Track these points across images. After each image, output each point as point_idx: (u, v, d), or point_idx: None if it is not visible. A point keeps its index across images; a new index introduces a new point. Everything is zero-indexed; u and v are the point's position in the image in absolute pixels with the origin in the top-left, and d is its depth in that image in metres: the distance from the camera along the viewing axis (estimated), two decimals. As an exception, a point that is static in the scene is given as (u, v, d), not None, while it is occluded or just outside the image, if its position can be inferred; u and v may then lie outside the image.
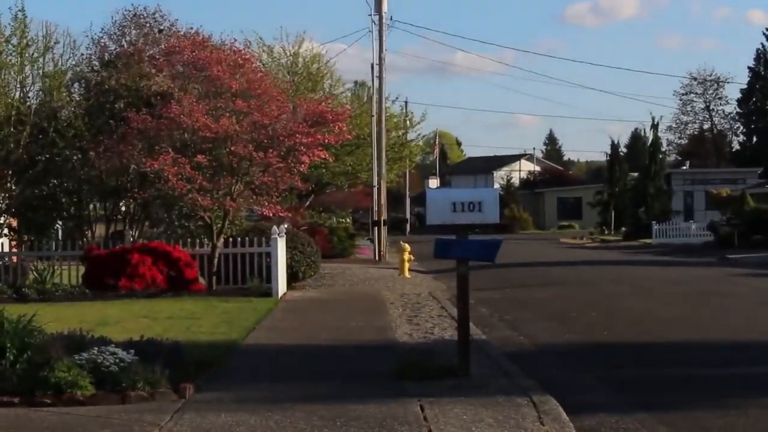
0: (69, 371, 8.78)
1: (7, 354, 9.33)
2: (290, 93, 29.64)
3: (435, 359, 10.13)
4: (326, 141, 20.95)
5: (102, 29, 23.48)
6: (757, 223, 41.95)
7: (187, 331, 13.74)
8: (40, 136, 21.20)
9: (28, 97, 21.97)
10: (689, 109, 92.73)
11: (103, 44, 23.42)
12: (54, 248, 21.70)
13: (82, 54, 23.31)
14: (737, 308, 17.97)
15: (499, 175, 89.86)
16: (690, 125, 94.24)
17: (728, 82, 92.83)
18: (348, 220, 49.51)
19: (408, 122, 48.31)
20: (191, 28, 23.40)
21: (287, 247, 21.69)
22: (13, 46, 21.34)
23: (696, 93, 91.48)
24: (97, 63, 23.15)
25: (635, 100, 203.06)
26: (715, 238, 44.34)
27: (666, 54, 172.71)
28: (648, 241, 53.55)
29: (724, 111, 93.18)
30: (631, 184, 67.10)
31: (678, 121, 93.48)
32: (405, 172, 65.62)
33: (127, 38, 23.49)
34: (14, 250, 22.92)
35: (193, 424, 7.94)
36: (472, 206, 9.98)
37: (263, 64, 34.11)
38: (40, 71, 21.92)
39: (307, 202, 39.11)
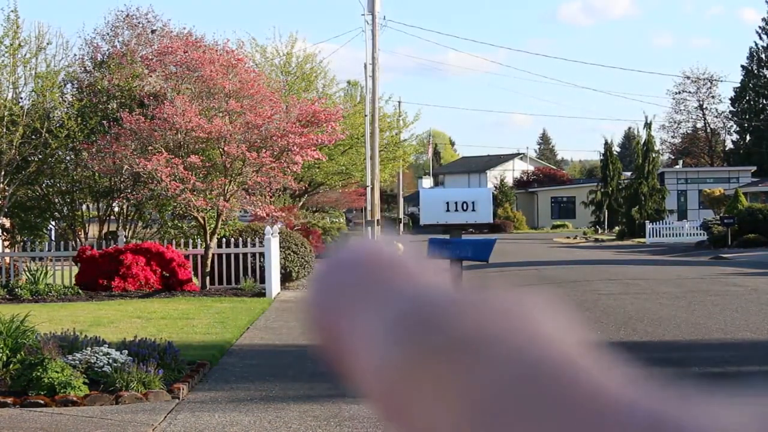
0: (62, 372, 8.77)
1: (0, 354, 9.33)
2: (283, 93, 29.62)
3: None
4: (319, 141, 20.95)
5: (95, 30, 23.63)
6: (751, 222, 42.01)
7: (181, 331, 13.74)
8: (33, 137, 21.19)
9: (21, 98, 21.96)
10: (682, 107, 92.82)
11: (95, 45, 23.49)
12: (47, 248, 21.70)
13: (75, 54, 23.41)
14: (730, 307, 17.98)
15: (493, 175, 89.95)
16: (683, 124, 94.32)
17: (721, 81, 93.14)
18: (341, 220, 49.54)
19: (401, 122, 48.34)
20: (184, 29, 23.51)
21: (281, 247, 21.70)
22: (6, 47, 21.31)
23: (689, 92, 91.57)
24: (89, 63, 23.18)
25: (628, 99, 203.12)
26: (708, 237, 44.41)
27: (659, 53, 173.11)
28: (642, 240, 53.64)
29: (717, 110, 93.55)
30: (624, 184, 67.20)
31: (671, 120, 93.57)
32: (398, 172, 65.66)
33: (120, 39, 23.56)
34: (7, 250, 22.90)
35: (187, 424, 7.93)
36: (466, 206, 9.99)
37: (256, 65, 34.12)
38: (33, 72, 21.90)
39: (301, 202, 39.10)
